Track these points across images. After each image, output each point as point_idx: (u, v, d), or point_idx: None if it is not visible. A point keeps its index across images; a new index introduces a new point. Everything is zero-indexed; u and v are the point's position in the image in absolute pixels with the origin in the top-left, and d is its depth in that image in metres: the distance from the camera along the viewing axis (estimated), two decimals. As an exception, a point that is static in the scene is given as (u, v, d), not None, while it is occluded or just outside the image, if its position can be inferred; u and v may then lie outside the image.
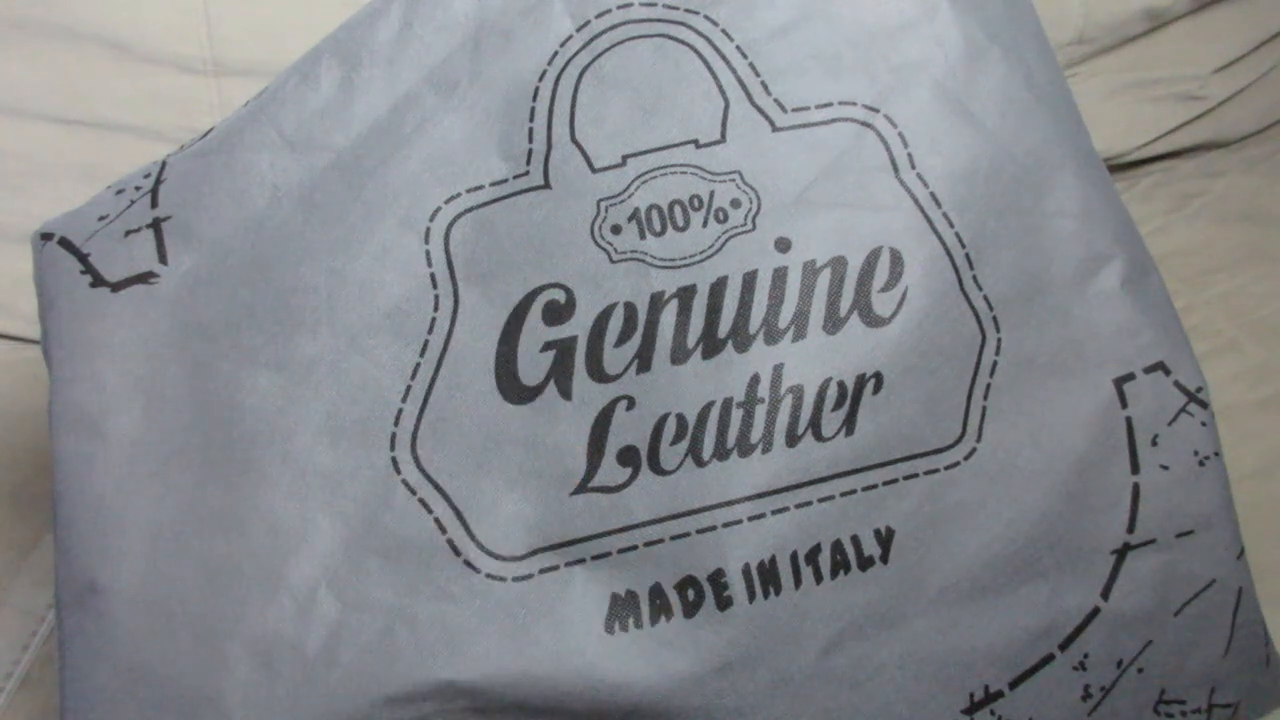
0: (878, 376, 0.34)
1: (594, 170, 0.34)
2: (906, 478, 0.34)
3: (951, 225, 0.35)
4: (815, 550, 0.33)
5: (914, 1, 0.37)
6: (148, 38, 0.61)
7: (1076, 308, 0.35)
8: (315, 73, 0.36)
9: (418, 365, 0.34)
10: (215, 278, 0.35)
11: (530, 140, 0.35)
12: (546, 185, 0.35)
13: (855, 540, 0.33)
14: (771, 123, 0.35)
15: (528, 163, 0.35)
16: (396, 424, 0.33)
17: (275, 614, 0.32)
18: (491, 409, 0.33)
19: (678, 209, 0.34)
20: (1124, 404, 0.35)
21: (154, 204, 0.36)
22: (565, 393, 0.33)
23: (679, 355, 0.33)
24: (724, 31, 0.36)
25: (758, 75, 0.35)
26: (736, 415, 0.33)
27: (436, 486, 0.33)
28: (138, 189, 0.36)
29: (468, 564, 0.33)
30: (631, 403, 0.33)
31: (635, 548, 0.33)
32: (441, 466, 0.33)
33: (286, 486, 0.33)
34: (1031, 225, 0.36)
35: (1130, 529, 0.35)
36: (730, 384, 0.33)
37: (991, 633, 0.34)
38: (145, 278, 0.35)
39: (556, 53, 0.36)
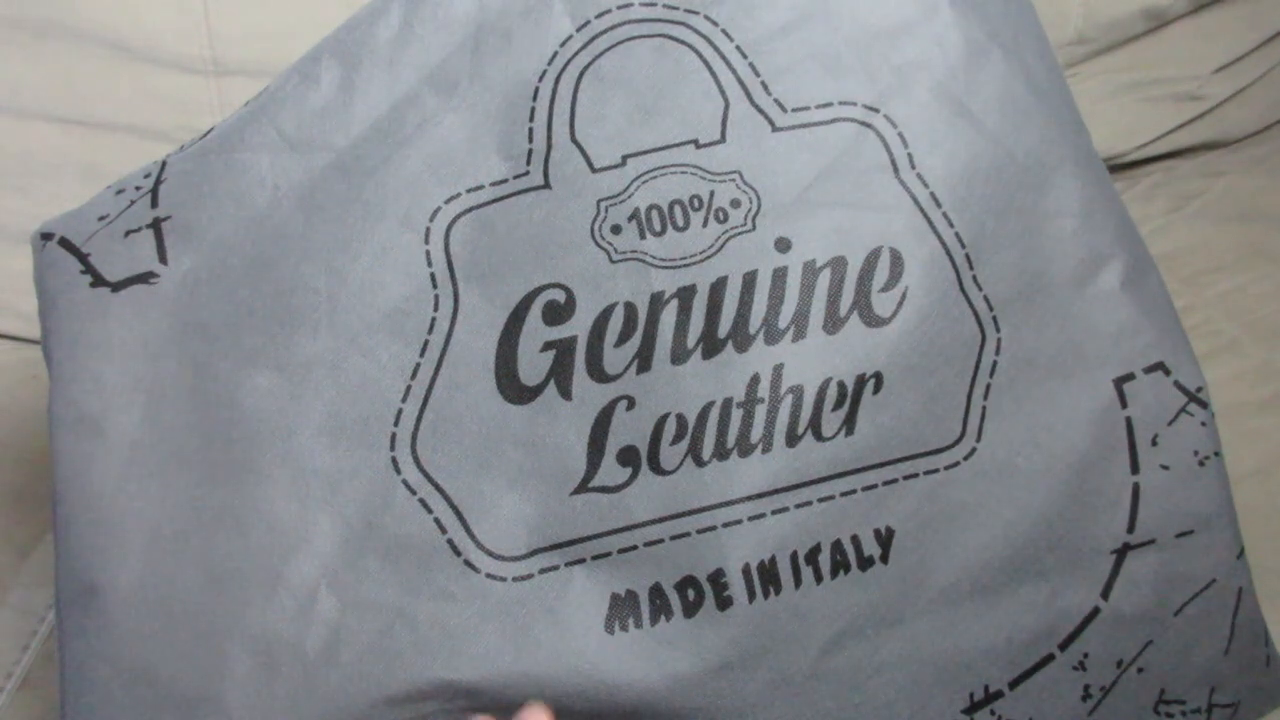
0: (878, 376, 0.34)
1: (594, 170, 0.34)
2: (906, 478, 0.34)
3: (951, 225, 0.35)
4: (815, 550, 0.33)
5: (914, 1, 0.37)
6: (148, 38, 0.61)
7: (1076, 308, 0.35)
8: (315, 72, 0.36)
9: (418, 365, 0.34)
10: (215, 278, 0.35)
11: (530, 140, 0.35)
12: (546, 185, 0.35)
13: (855, 540, 0.33)
14: (771, 123, 0.35)
15: (528, 163, 0.35)
16: (396, 424, 0.33)
17: (275, 614, 0.32)
18: (491, 409, 0.33)
19: (678, 209, 0.34)
20: (1124, 404, 0.35)
21: (154, 204, 0.36)
22: (565, 393, 0.33)
23: (679, 355, 0.33)
24: (724, 31, 0.36)
25: (758, 75, 0.35)
26: (736, 415, 0.33)
27: (436, 486, 0.33)
28: (138, 189, 0.36)
29: (468, 564, 0.33)
30: (631, 403, 0.33)
31: (635, 548, 0.33)
32: (441, 466, 0.33)
33: (286, 486, 0.33)
34: (1031, 225, 0.36)
35: (1130, 529, 0.35)
36: (730, 384, 0.33)
37: (992, 633, 0.34)
38: (145, 278, 0.35)
39: (556, 53, 0.36)
